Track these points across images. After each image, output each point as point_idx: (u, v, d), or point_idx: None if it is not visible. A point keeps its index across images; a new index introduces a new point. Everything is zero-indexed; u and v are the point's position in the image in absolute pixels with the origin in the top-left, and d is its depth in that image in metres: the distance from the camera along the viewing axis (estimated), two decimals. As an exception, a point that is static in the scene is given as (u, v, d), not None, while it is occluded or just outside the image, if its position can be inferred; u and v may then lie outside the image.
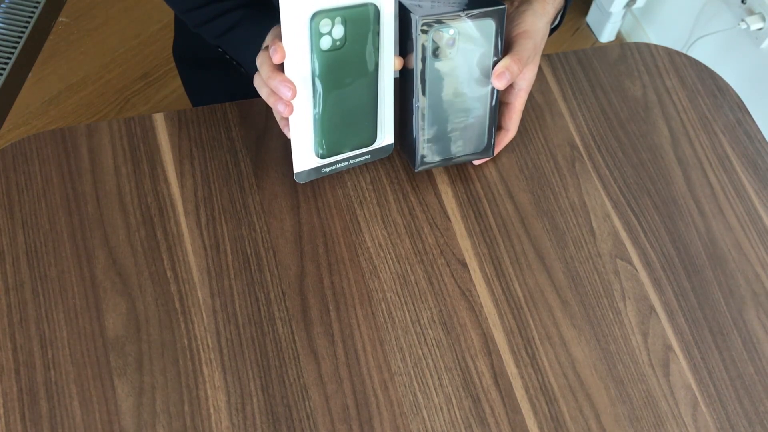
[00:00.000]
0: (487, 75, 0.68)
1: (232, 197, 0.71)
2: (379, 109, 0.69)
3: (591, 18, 1.89)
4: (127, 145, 0.73)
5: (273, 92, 0.64)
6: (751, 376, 0.67)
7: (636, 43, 0.87)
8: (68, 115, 1.60)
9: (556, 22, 0.77)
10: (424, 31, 0.64)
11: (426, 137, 0.69)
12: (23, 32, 1.67)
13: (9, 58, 1.62)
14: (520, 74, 0.70)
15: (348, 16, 0.62)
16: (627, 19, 1.85)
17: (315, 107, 0.65)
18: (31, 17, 1.69)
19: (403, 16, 0.65)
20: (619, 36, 1.88)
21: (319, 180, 0.72)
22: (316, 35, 0.61)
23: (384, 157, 0.73)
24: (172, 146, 0.73)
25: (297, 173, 0.69)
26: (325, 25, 0.61)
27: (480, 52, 0.67)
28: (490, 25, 0.66)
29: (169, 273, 0.66)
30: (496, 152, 0.73)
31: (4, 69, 1.61)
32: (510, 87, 0.71)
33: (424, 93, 0.67)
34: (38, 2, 1.71)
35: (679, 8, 1.67)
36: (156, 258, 0.67)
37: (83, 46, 1.70)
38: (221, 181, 0.71)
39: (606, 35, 1.87)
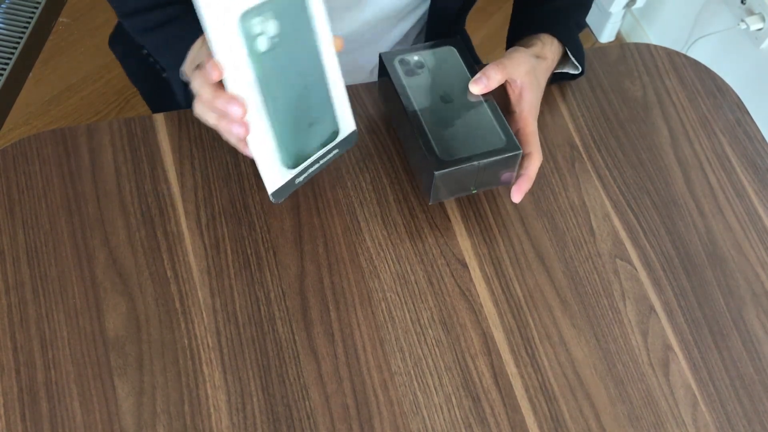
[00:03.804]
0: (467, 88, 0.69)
1: (232, 197, 0.71)
2: (333, 99, 0.63)
3: (591, 18, 1.89)
4: (127, 145, 0.73)
5: (222, 115, 0.58)
6: (751, 376, 0.67)
7: (636, 44, 0.87)
8: (68, 115, 1.60)
9: (579, 71, 0.79)
10: (389, 61, 0.70)
11: (433, 138, 0.67)
12: (24, 32, 1.67)
13: (9, 58, 1.63)
14: (520, 98, 0.70)
15: (279, 7, 0.55)
16: (627, 19, 1.85)
17: (269, 116, 0.58)
18: (31, 17, 1.69)
19: (382, 76, 0.72)
20: (619, 36, 1.89)
21: (319, 180, 0.73)
22: (250, 38, 0.54)
23: (350, 147, 0.68)
24: (172, 146, 0.73)
25: (273, 193, 0.62)
26: (257, 24, 0.54)
27: (453, 70, 0.71)
28: (452, 50, 0.72)
29: (169, 273, 0.66)
30: (529, 181, 0.70)
31: (4, 69, 1.61)
32: (512, 113, 0.71)
33: (414, 104, 0.68)
34: (38, 2, 1.71)
35: (679, 8, 1.67)
36: (156, 258, 0.67)
37: (83, 46, 1.70)
38: (221, 181, 0.72)
39: (606, 35, 1.87)
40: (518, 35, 0.77)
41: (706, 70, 0.86)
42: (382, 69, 0.71)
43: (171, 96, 0.70)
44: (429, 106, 0.68)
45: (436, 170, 0.65)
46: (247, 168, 0.72)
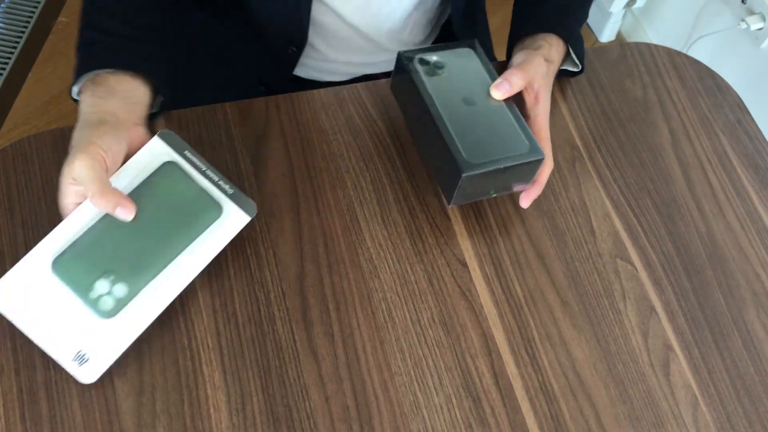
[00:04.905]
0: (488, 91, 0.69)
1: (232, 197, 0.71)
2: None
3: (591, 18, 1.89)
4: (127, 145, 0.72)
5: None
6: (751, 376, 0.67)
7: (636, 43, 0.87)
8: (68, 115, 1.60)
9: (579, 69, 0.79)
10: (409, 59, 0.69)
11: (458, 139, 0.66)
12: (23, 32, 1.67)
13: (9, 58, 1.62)
14: (536, 103, 0.70)
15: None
16: (627, 19, 1.85)
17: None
18: (31, 17, 1.69)
19: (399, 74, 0.71)
20: (619, 36, 1.89)
21: (319, 180, 0.72)
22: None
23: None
24: (172, 146, 0.73)
25: None
26: (101, 286, 0.60)
27: (473, 73, 0.70)
28: (469, 52, 0.71)
29: (169, 273, 0.66)
30: (539, 187, 0.70)
31: (4, 69, 1.61)
32: (527, 117, 0.70)
33: (437, 104, 0.67)
34: (38, 2, 1.71)
35: (679, 8, 1.67)
36: (156, 258, 0.67)
37: (83, 46, 1.70)
38: (221, 181, 0.71)
39: (606, 35, 1.87)
40: (522, 34, 0.77)
41: (706, 70, 0.86)
42: (400, 67, 0.70)
43: (170, 96, 0.70)
44: (452, 107, 0.67)
45: (464, 172, 0.64)
46: (247, 168, 0.72)
